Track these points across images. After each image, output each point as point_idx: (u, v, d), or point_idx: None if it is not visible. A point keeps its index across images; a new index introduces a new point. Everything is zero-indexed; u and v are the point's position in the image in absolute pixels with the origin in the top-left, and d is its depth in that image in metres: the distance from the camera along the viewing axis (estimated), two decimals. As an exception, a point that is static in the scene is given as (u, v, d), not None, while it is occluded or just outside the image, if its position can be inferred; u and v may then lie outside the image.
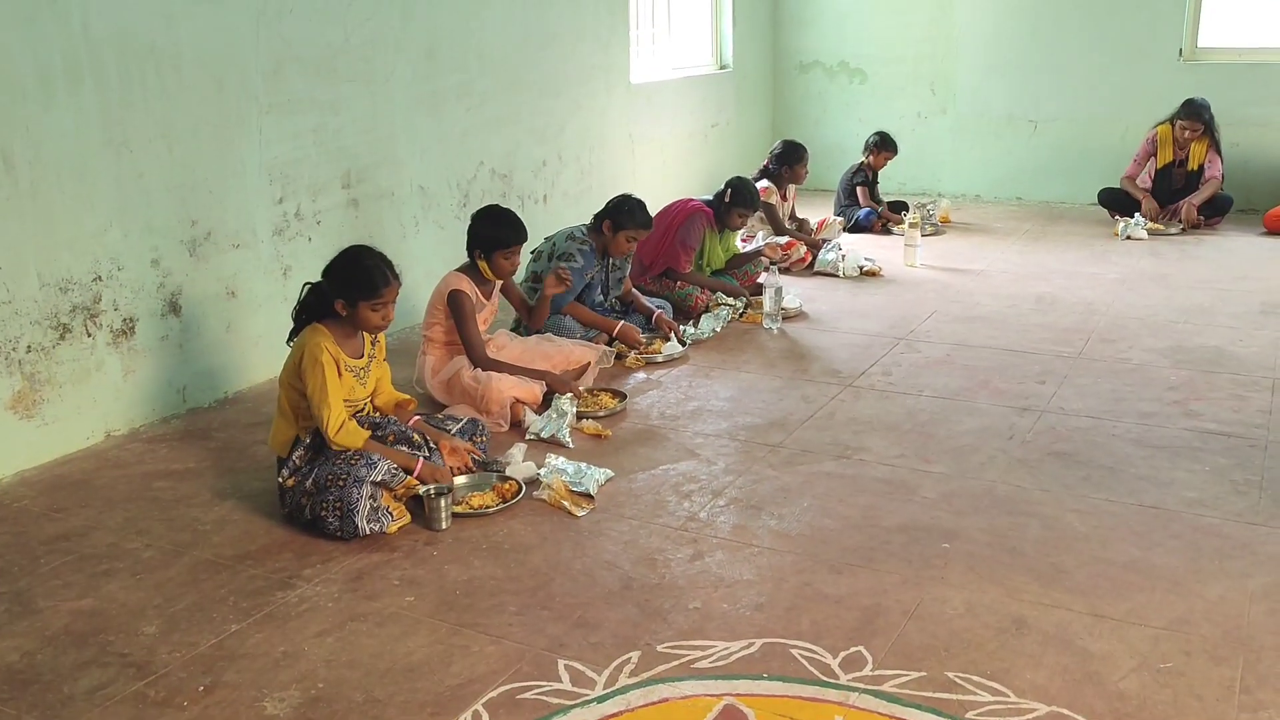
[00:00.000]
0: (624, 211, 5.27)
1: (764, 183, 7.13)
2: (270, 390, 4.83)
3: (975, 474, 3.92)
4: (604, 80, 7.55)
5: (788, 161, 7.09)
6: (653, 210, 6.23)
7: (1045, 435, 4.26)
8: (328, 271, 3.63)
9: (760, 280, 6.21)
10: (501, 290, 4.80)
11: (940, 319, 5.91)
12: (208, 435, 4.50)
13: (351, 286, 3.56)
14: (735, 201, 6.04)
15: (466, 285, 4.55)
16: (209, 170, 4.72)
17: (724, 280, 6.21)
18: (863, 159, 8.28)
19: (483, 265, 4.57)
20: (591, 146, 7.47)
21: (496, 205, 4.72)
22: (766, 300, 5.75)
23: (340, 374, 3.58)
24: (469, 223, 4.63)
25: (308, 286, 3.66)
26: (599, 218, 5.35)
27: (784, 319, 5.86)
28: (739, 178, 6.16)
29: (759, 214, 7.07)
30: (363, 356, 3.74)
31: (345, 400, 3.61)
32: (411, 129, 5.82)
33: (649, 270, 6.02)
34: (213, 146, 4.72)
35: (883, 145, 8.20)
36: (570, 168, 7.23)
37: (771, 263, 6.20)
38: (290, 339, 3.70)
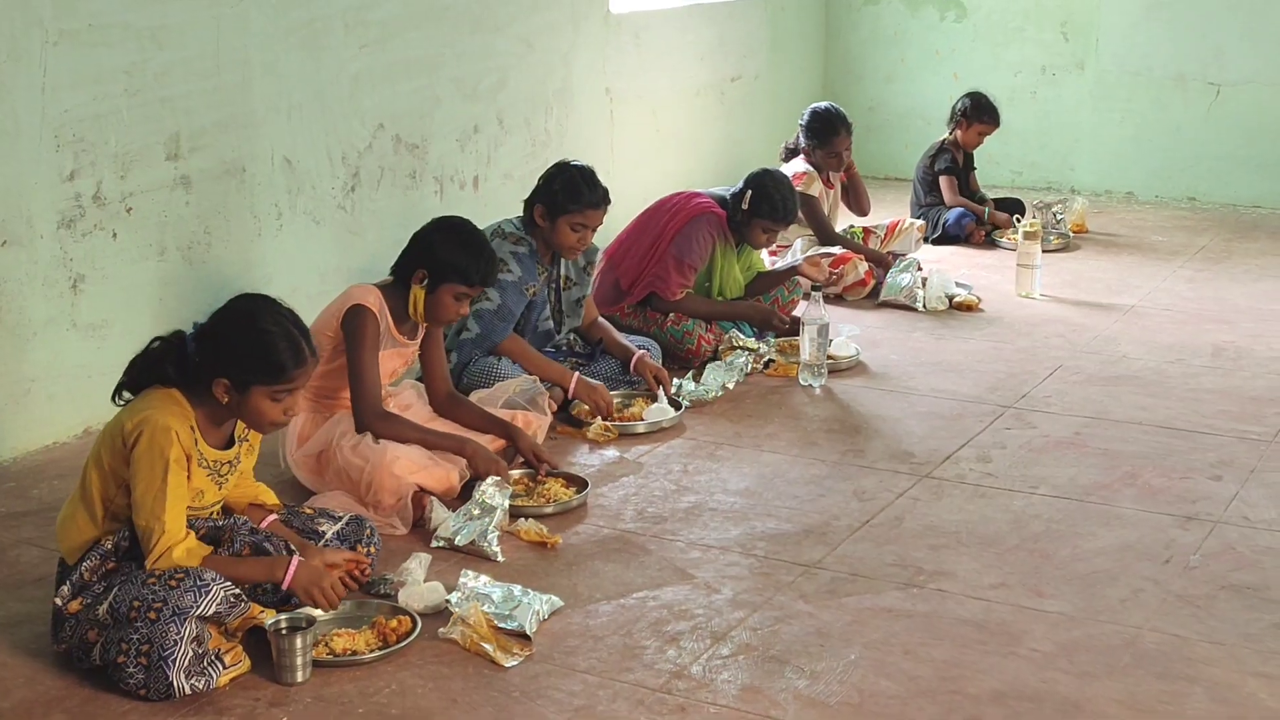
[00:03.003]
0: (559, 187, 5.30)
1: (798, 165, 7.18)
2: (49, 463, 4.82)
3: (1112, 616, 3.91)
4: (569, 7, 7.63)
5: (816, 137, 7.15)
6: (638, 207, 6.30)
7: (1220, 559, 4.26)
8: (207, 338, 3.62)
9: (797, 313, 6.24)
10: (422, 347, 4.83)
11: (1067, 379, 5.93)
12: (-54, 530, 4.46)
13: (246, 363, 3.56)
14: (757, 211, 6.09)
15: (375, 303, 4.57)
16: (-36, 128, 4.74)
17: (744, 304, 6.24)
18: (947, 135, 8.35)
19: (417, 295, 4.60)
20: (548, 106, 7.52)
21: (470, 223, 4.76)
22: (804, 343, 5.78)
23: (190, 474, 3.57)
24: (424, 229, 4.69)
25: (161, 344, 3.63)
26: (528, 202, 5.39)
27: (831, 372, 5.89)
28: (766, 172, 6.21)
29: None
30: (232, 445, 3.73)
31: (188, 508, 3.59)
32: (275, 74, 5.85)
33: (628, 294, 6.04)
34: (-29, 93, 4.74)
35: (976, 112, 8.28)
36: (515, 137, 7.28)
37: (815, 287, 6.22)
38: (118, 393, 3.67)
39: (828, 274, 6.63)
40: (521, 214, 5.46)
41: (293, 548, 3.81)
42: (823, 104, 7.35)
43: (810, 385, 5.78)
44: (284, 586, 3.63)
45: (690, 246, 6.01)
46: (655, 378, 5.51)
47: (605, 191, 5.39)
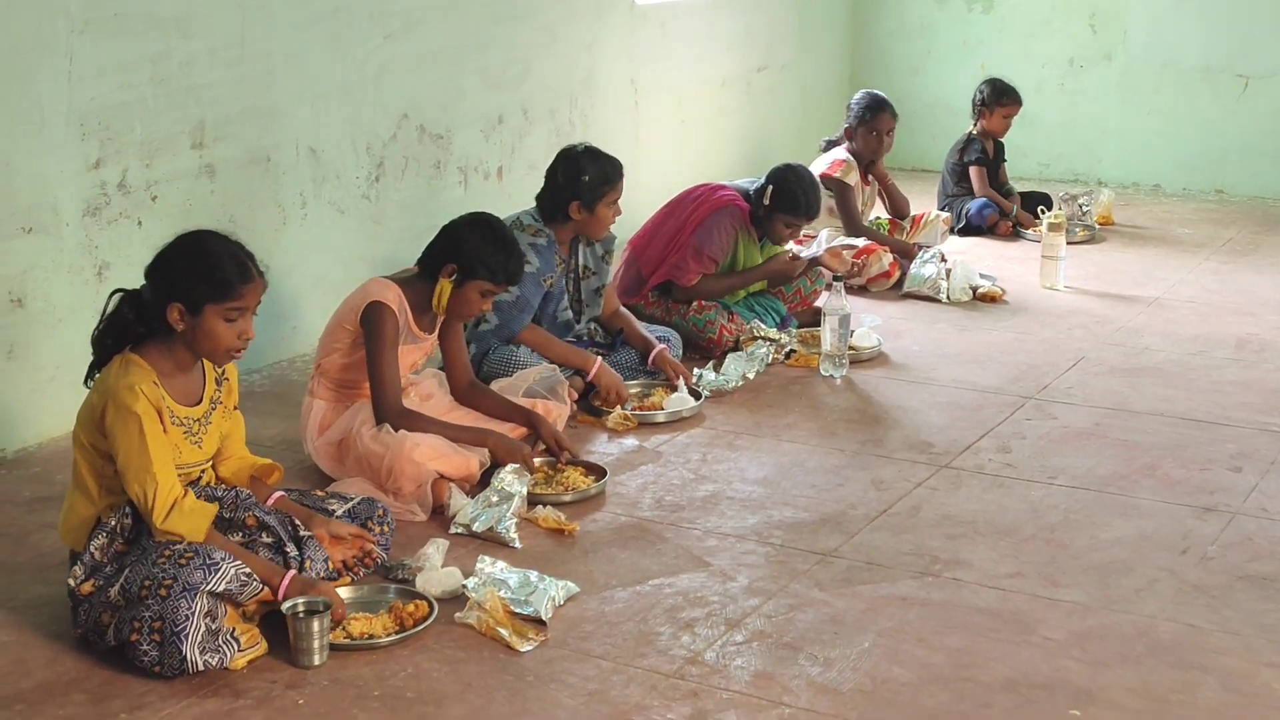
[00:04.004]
0: (589, 179, 5.33)
1: (838, 154, 7.21)
2: (71, 449, 4.85)
3: (1126, 605, 3.92)
4: (594, -2, 7.66)
5: (864, 111, 7.19)
6: (663, 198, 6.31)
7: (1237, 550, 4.26)
8: (156, 265, 3.67)
9: (819, 304, 6.25)
10: (441, 337, 4.86)
11: (1089, 370, 5.94)
12: (-29, 514, 4.52)
13: (194, 283, 3.60)
14: (779, 205, 6.09)
15: (394, 299, 4.60)
16: (-10, 116, 4.79)
17: (760, 268, 6.27)
18: (973, 127, 8.34)
19: (444, 288, 4.63)
20: (573, 97, 7.55)
21: (501, 221, 4.78)
22: (826, 334, 5.79)
23: (164, 428, 3.61)
24: (456, 224, 4.72)
25: (120, 295, 3.69)
26: (550, 197, 5.41)
27: (852, 363, 5.90)
28: (788, 167, 6.19)
29: (829, 203, 7.15)
30: (201, 402, 3.76)
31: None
32: (300, 64, 5.90)
33: (649, 282, 6.06)
34: (-3, 81, 4.79)
35: (996, 96, 8.28)
36: (539, 127, 7.30)
37: (836, 277, 6.23)
38: (90, 377, 3.72)
39: (850, 265, 6.64)
40: (536, 207, 5.47)
41: (302, 530, 3.85)
42: (870, 90, 7.44)
43: (831, 376, 5.79)
44: (278, 598, 3.63)
45: (710, 238, 6.02)
46: (675, 369, 5.53)
47: (619, 162, 5.48)
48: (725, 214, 6.08)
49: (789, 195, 6.05)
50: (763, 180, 6.15)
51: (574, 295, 5.60)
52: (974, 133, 8.33)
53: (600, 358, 5.45)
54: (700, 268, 6.03)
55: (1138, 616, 3.85)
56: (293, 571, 3.70)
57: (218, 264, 3.62)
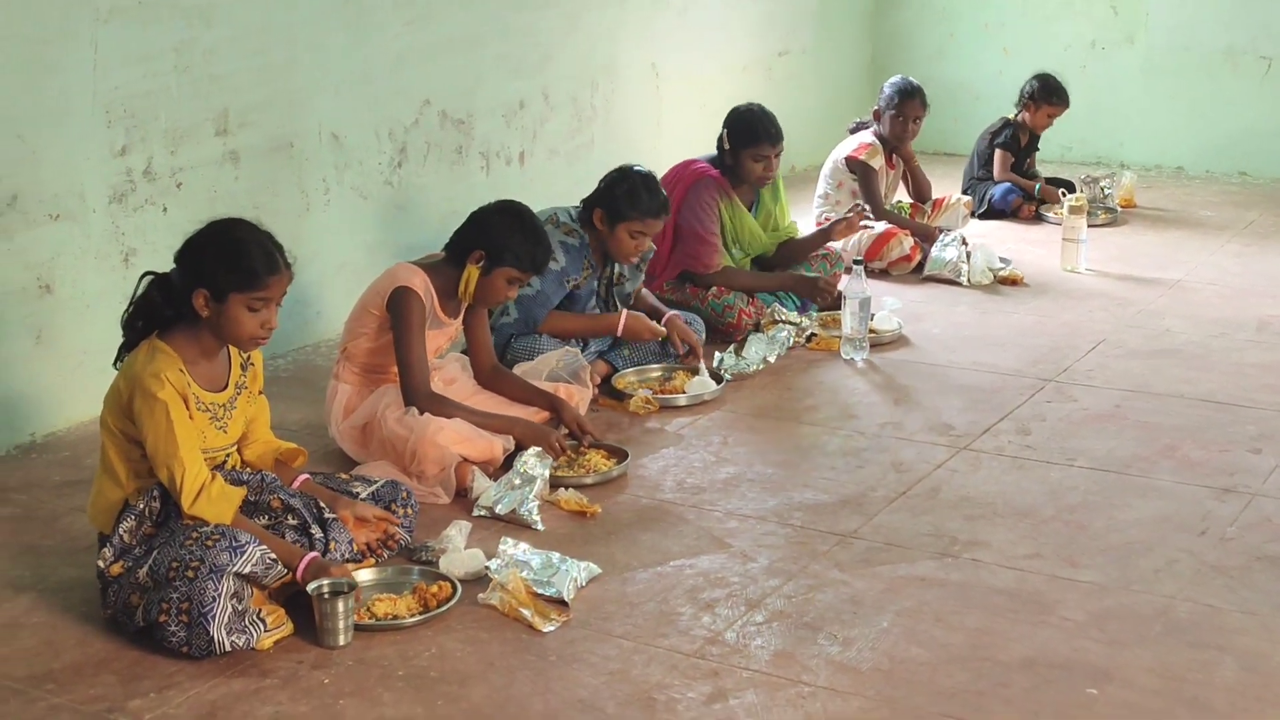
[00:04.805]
0: (621, 193, 5.33)
1: (864, 137, 7.22)
2: (99, 433, 4.90)
3: (1145, 585, 3.94)
4: (616, -17, 7.68)
5: (896, 96, 7.19)
6: None
7: (1256, 530, 4.28)
8: (185, 251, 3.72)
9: (840, 287, 6.26)
10: (466, 322, 4.90)
11: (1110, 352, 5.95)
12: (1, 498, 4.56)
13: (220, 271, 3.64)
14: (737, 142, 6.07)
15: (421, 285, 4.64)
16: (15, 105, 4.82)
17: (789, 276, 6.26)
18: (1014, 114, 8.32)
19: (471, 274, 4.66)
20: (594, 82, 7.57)
21: (529, 209, 4.80)
22: (846, 317, 5.81)
23: (190, 413, 3.66)
24: (485, 211, 4.75)
25: (149, 279, 3.74)
26: (588, 203, 5.43)
27: (873, 346, 5.92)
28: (734, 109, 6.19)
29: (852, 186, 7.16)
30: (226, 387, 3.81)
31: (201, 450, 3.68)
32: (322, 50, 5.94)
33: (659, 277, 6.07)
34: (23, 70, 4.83)
35: (1045, 94, 8.24)
36: (561, 113, 7.33)
37: (856, 260, 6.25)
38: (119, 359, 3.77)
39: (858, 228, 6.57)
40: (578, 205, 5.47)
41: (327, 512, 3.89)
42: (902, 76, 7.43)
43: (852, 359, 5.81)
44: (298, 579, 3.67)
45: (698, 214, 5.98)
46: (694, 348, 5.55)
47: (666, 201, 5.42)
48: (700, 186, 6.04)
49: (742, 125, 6.06)
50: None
51: (603, 298, 5.59)
52: (1013, 120, 8.30)
53: (625, 310, 5.46)
54: (710, 248, 6.02)
55: (1156, 597, 3.87)
56: (312, 554, 3.74)
57: (245, 253, 3.66)
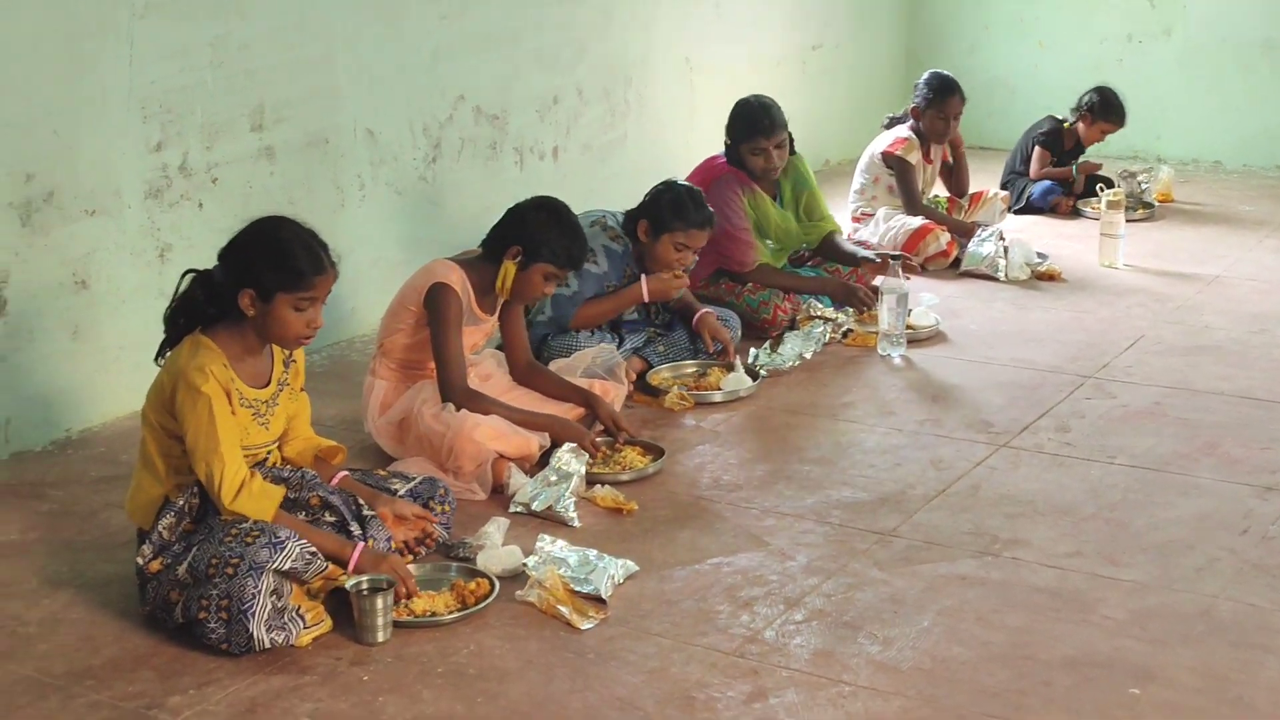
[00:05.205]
0: (665, 204, 5.32)
1: (900, 131, 7.20)
2: (137, 428, 4.92)
3: (1187, 584, 3.93)
4: (649, -23, 7.67)
5: (933, 94, 7.16)
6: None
7: (1299, 529, 4.27)
8: (230, 250, 3.74)
9: (875, 283, 6.24)
10: (502, 318, 4.91)
11: (1149, 349, 5.92)
12: (38, 493, 4.59)
13: (266, 271, 3.66)
14: (737, 135, 6.04)
15: (458, 281, 4.65)
16: (52, 101, 4.85)
17: (826, 279, 6.24)
18: (1066, 118, 8.26)
19: (508, 270, 4.67)
20: (628, 77, 7.57)
21: (567, 206, 4.79)
22: (883, 313, 5.79)
23: (232, 410, 3.67)
24: (523, 206, 4.76)
25: (192, 276, 3.75)
26: (632, 215, 5.43)
27: (910, 342, 5.91)
28: (739, 101, 6.15)
29: (889, 181, 7.13)
30: (269, 384, 3.82)
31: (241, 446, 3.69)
32: (357, 46, 5.95)
33: (694, 279, 6.00)
34: (59, 65, 4.85)
35: (1103, 111, 8.17)
36: (594, 108, 7.33)
37: (893, 256, 6.22)
38: (160, 355, 3.79)
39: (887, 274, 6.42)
40: (626, 210, 5.47)
41: (366, 509, 3.90)
42: (937, 70, 7.38)
43: (889, 355, 5.79)
44: (350, 570, 3.70)
45: (724, 212, 5.90)
46: (714, 337, 5.53)
47: (711, 215, 5.42)
48: (720, 183, 6.00)
49: (738, 120, 6.04)
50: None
51: (644, 305, 5.58)
52: (1062, 125, 8.24)
53: (644, 276, 5.42)
54: (743, 244, 6.00)
55: (1198, 596, 3.86)
56: (363, 544, 3.76)
57: (291, 253, 3.67)
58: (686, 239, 5.35)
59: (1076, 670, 3.50)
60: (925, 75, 7.30)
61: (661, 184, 5.45)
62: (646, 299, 5.42)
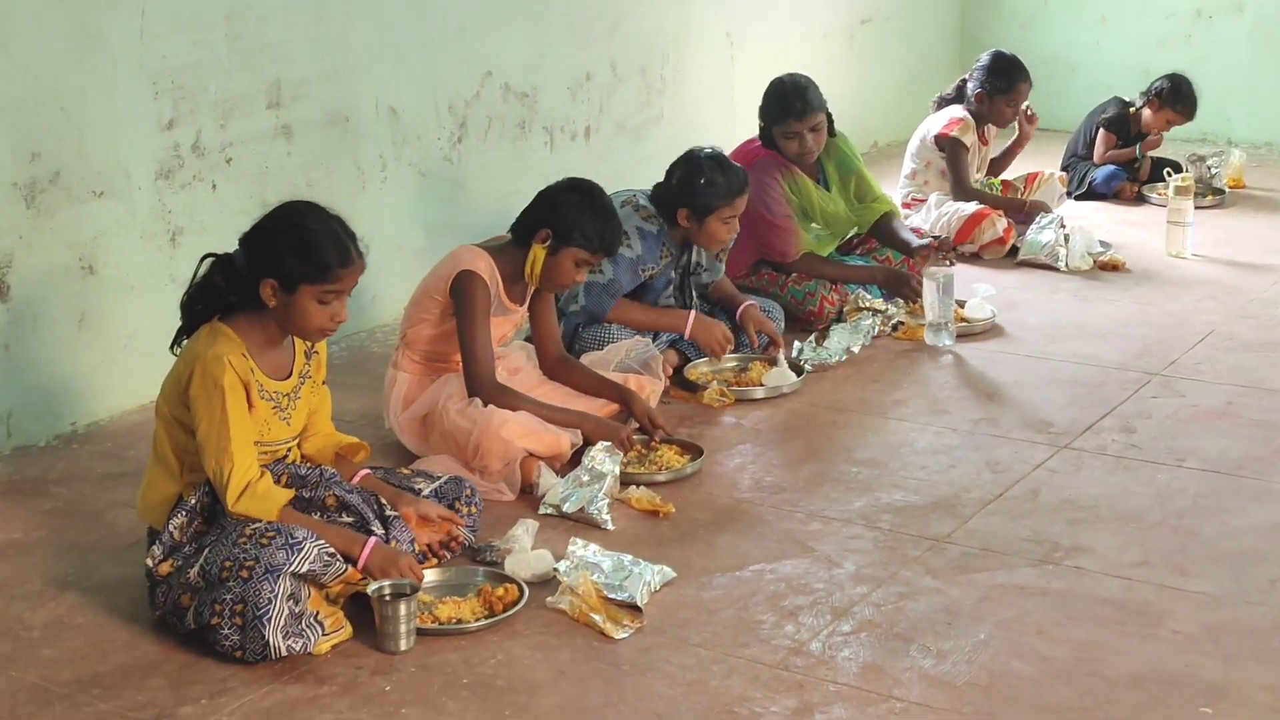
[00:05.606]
0: (701, 187, 5.26)
1: (955, 111, 7.16)
2: (146, 422, 4.94)
3: (1261, 597, 3.89)
4: (688, -54, 7.65)
5: (999, 79, 7.10)
6: None
7: (1382, 539, 4.23)
8: (253, 236, 3.75)
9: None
10: (532, 308, 4.91)
11: (1219, 344, 5.88)
12: (41, 490, 4.61)
13: (291, 260, 3.66)
14: (771, 117, 6.00)
15: (485, 269, 4.65)
16: (59, 76, 4.86)
17: (874, 268, 6.21)
18: (1134, 102, 8.20)
19: (537, 254, 4.66)
20: (664, 52, 7.56)
21: (600, 187, 4.79)
22: (928, 300, 5.77)
23: (251, 403, 3.67)
24: (553, 189, 4.76)
25: (211, 260, 3.76)
26: (663, 196, 5.38)
27: (965, 336, 5.89)
28: (772, 81, 6.11)
29: (942, 165, 7.11)
30: (290, 376, 3.83)
31: (257, 444, 3.70)
32: (379, 19, 5.95)
33: (734, 272, 5.98)
34: (67, 39, 4.87)
35: (1172, 98, 8.07)
36: (629, 85, 7.32)
37: (936, 237, 6.14)
38: (176, 343, 3.80)
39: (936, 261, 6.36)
40: (651, 191, 5.44)
41: (388, 510, 3.90)
42: (1002, 50, 7.31)
43: (937, 345, 5.77)
44: (359, 567, 3.69)
45: (765, 199, 5.90)
46: (758, 329, 5.53)
47: (744, 174, 5.40)
48: (758, 169, 5.92)
49: (769, 102, 6.01)
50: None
51: (680, 285, 5.58)
52: (1129, 109, 8.19)
53: (693, 311, 5.43)
54: (785, 233, 5.97)
55: (1273, 609, 3.82)
56: (374, 539, 3.74)
57: (317, 243, 3.68)
58: (731, 210, 5.32)
59: (1143, 688, 3.47)
60: (988, 57, 7.23)
61: (683, 166, 5.36)
62: (687, 336, 5.39)
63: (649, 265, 5.36)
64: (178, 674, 3.55)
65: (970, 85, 7.19)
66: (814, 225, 6.16)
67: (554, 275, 4.70)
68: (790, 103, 5.96)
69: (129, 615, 3.81)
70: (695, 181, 5.28)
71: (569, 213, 4.65)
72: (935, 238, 6.17)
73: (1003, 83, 7.11)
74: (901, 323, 5.98)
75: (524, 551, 4.01)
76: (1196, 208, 7.30)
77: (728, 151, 5.62)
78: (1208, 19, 9.59)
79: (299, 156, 5.65)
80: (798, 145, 5.98)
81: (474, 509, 4.15)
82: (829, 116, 6.07)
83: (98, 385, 5.09)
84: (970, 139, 7.11)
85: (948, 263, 5.96)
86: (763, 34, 8.30)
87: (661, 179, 5.41)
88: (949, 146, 7.07)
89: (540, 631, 3.73)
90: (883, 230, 6.32)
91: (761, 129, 6.08)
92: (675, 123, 7.53)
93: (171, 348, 3.80)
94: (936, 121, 7.17)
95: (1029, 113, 7.33)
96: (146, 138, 5.12)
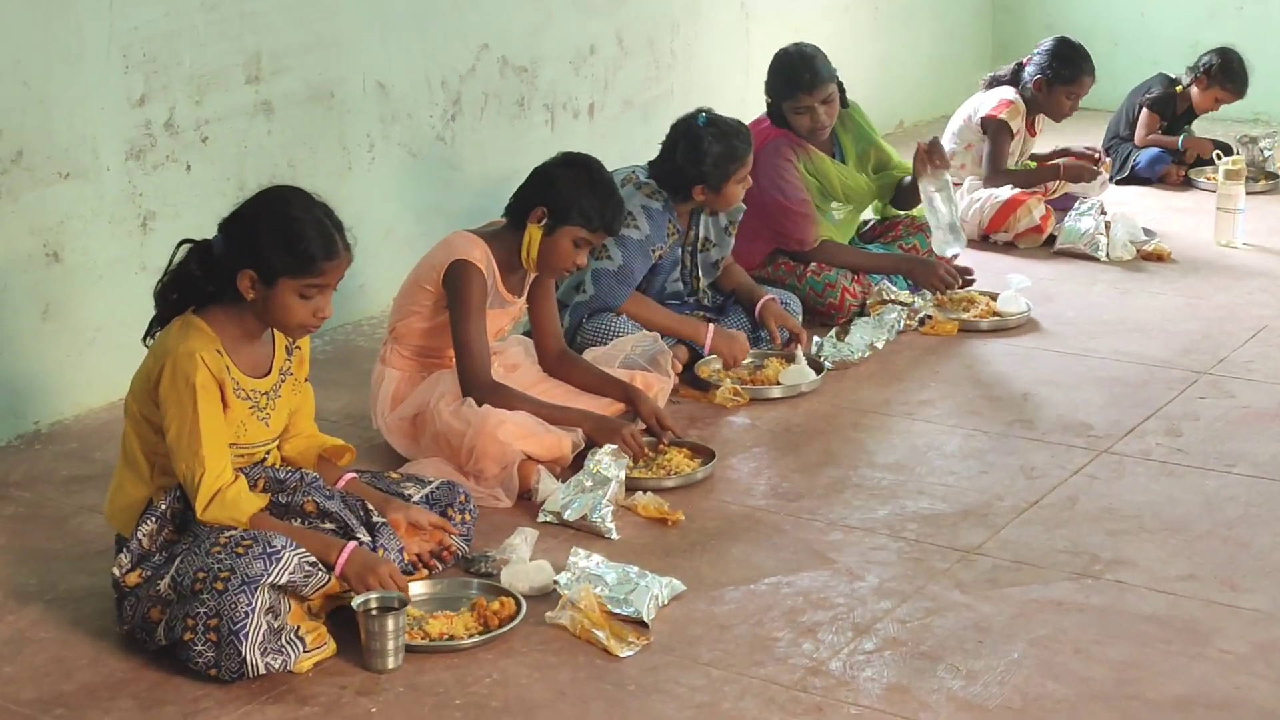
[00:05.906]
0: (710, 161, 5.25)
1: (1005, 93, 7.15)
2: (115, 420, 4.93)
3: (1318, 614, 3.89)
4: (701, -90, 7.65)
5: (1064, 66, 7.09)
6: None
7: None
8: (233, 222, 3.73)
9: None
10: (531, 298, 4.91)
11: (1272, 340, 5.87)
12: (3, 494, 4.60)
13: (272, 251, 3.64)
14: (779, 92, 6.00)
15: (481, 257, 4.65)
16: (21, 48, 4.85)
17: (898, 257, 6.21)
18: (1180, 79, 8.18)
19: (533, 235, 4.65)
20: (674, 23, 7.55)
21: (599, 162, 4.78)
22: (930, 210, 5.84)
23: (226, 403, 3.66)
24: (548, 164, 4.76)
25: (188, 246, 3.75)
26: (669, 174, 5.35)
27: (999, 330, 5.91)
28: (777, 53, 6.11)
29: (981, 149, 7.10)
30: (269, 373, 3.81)
31: (233, 446, 3.69)
32: (368, -14, 5.94)
33: (748, 263, 5.97)
34: (30, 6, 4.86)
35: (1222, 75, 8.06)
36: (637, 59, 7.32)
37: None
38: (149, 335, 3.79)
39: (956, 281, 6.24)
40: (650, 170, 5.44)
41: (374, 517, 3.89)
42: (1067, 37, 7.31)
43: (944, 252, 5.84)
44: (335, 574, 3.67)
45: (776, 183, 5.92)
46: (780, 327, 5.52)
47: (747, 132, 5.41)
48: (771, 150, 5.95)
49: (775, 76, 6.02)
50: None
51: (688, 267, 5.59)
52: (1173, 89, 8.17)
53: (713, 324, 5.44)
54: (802, 219, 5.96)
55: (1331, 628, 3.82)
56: (352, 544, 3.73)
57: (301, 233, 3.65)
58: (744, 171, 5.34)
59: (1190, 712, 3.46)
60: (1052, 42, 7.23)
61: (683, 140, 5.33)
62: (707, 350, 5.39)
63: (658, 245, 5.35)
64: (147, 694, 3.53)
65: (1029, 69, 7.17)
66: (835, 204, 6.14)
67: (552, 257, 4.69)
68: (798, 75, 5.94)
69: (95, 629, 3.80)
70: (702, 155, 5.28)
71: (565, 189, 4.64)
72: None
73: (1067, 71, 7.09)
74: (929, 316, 5.98)
75: (522, 562, 4.00)
76: (1248, 193, 7.31)
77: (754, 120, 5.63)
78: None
79: (280, 135, 5.65)
80: (809, 120, 5.96)
81: (468, 516, 4.14)
82: (840, 86, 6.05)
83: (63, 381, 5.09)
84: (1018, 124, 7.10)
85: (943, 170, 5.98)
86: (780, 5, 8.29)
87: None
88: (993, 129, 7.05)
89: (539, 649, 3.71)
90: (906, 196, 6.27)
91: (770, 106, 6.07)
92: (686, 100, 7.48)
93: (144, 340, 3.79)
94: (985, 101, 7.15)
95: (1096, 155, 7.34)
96: (116, 115, 5.11)
